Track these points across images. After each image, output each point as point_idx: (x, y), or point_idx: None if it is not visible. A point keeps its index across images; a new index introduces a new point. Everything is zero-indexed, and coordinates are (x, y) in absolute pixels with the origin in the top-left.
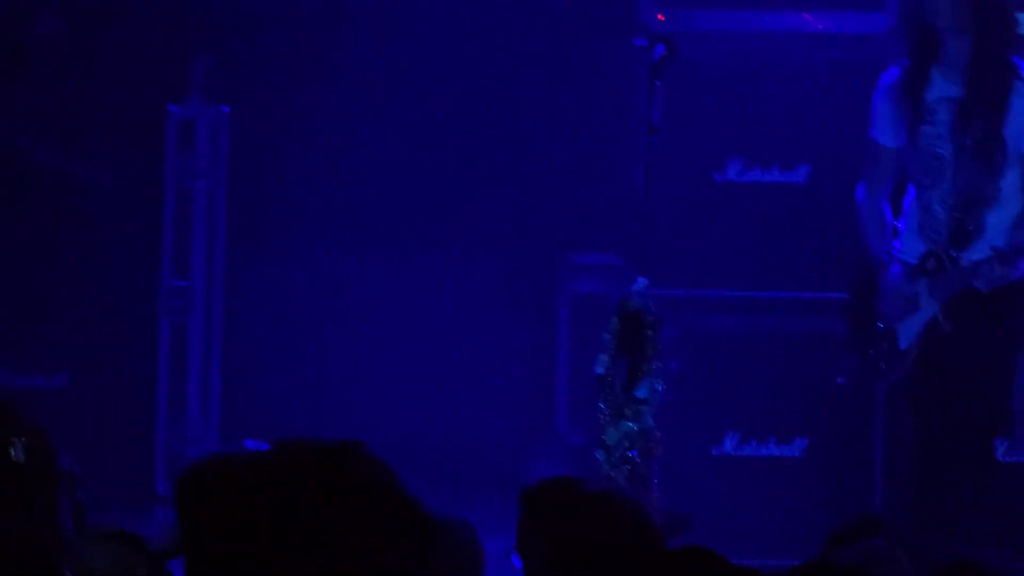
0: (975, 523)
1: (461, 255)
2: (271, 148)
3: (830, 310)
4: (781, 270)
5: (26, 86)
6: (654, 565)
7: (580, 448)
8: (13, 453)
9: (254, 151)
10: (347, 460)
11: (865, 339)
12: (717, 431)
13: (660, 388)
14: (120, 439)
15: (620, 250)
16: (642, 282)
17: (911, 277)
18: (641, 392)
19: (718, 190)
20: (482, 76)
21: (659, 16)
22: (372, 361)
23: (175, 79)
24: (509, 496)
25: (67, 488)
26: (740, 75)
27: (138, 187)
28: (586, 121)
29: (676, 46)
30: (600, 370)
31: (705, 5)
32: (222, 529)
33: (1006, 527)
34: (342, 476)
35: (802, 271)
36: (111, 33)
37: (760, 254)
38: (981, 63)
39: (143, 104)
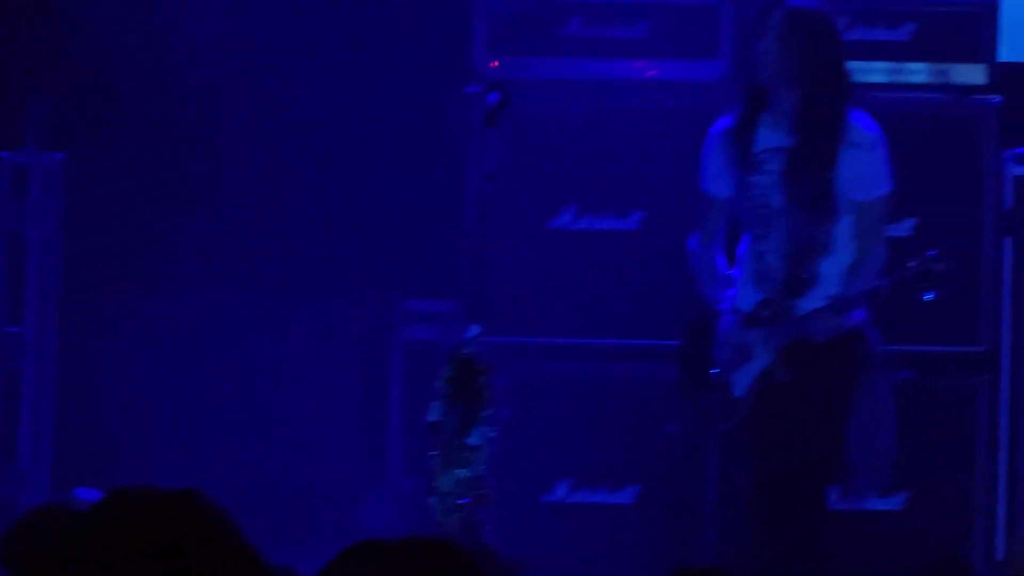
0: (808, 570)
1: (294, 299)
2: (108, 194)
3: (663, 357)
4: (614, 317)
5: None
6: None
7: (413, 495)
8: None
9: (90, 197)
10: (183, 509)
11: (699, 387)
12: (549, 478)
13: (492, 435)
14: None
15: (453, 297)
16: (475, 329)
17: (746, 326)
18: (474, 439)
19: (551, 237)
20: (317, 120)
21: (493, 63)
22: (207, 407)
23: (8, 126)
24: (343, 543)
25: None
26: (574, 122)
27: None
28: (421, 167)
29: (510, 93)
30: (433, 417)
31: (539, 52)
32: None
33: (838, 574)
34: (178, 525)
35: (635, 318)
36: None
37: (593, 301)
38: (811, 113)
39: None
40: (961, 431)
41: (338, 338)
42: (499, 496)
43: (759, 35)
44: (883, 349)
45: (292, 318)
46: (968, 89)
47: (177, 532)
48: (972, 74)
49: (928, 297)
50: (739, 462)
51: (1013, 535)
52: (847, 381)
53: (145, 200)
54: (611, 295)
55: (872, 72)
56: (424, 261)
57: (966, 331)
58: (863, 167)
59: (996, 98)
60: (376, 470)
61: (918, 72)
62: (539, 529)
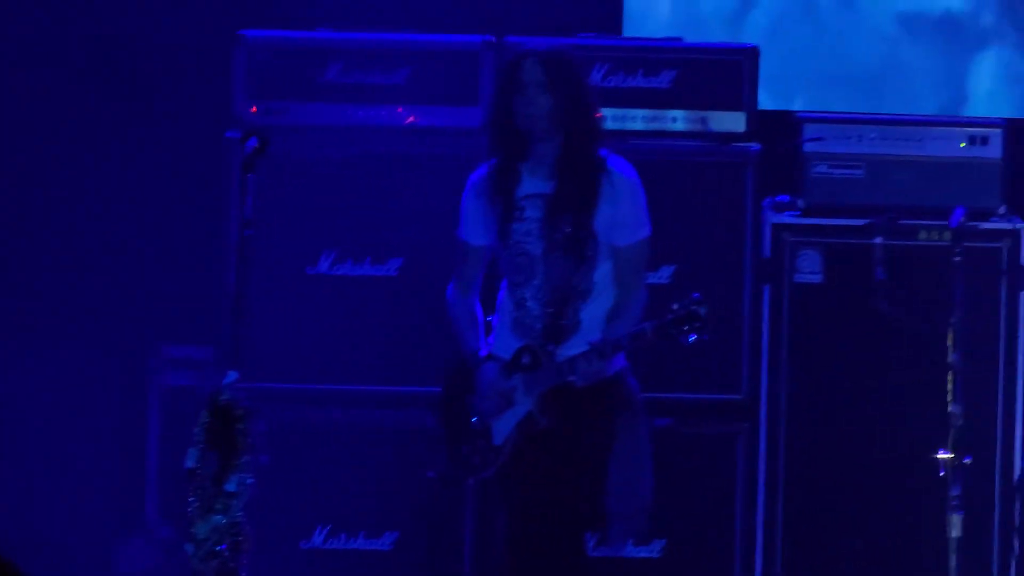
0: None
1: (52, 344)
2: None
3: (422, 404)
4: (373, 363)
5: None
6: None
7: (170, 541)
8: None
9: None
10: None
11: (458, 435)
12: (308, 524)
13: (250, 481)
14: None
15: (212, 343)
16: (233, 375)
17: (506, 373)
18: (231, 485)
19: (310, 283)
20: (75, 163)
21: (252, 108)
22: None
23: None
24: None
25: None
26: (333, 168)
27: None
28: (180, 213)
29: (268, 139)
30: (190, 463)
31: (298, 98)
32: None
33: None
34: None
35: (394, 365)
36: None
37: (353, 347)
38: (570, 159)
39: None
40: (721, 478)
41: (96, 384)
42: (257, 543)
43: (515, 86)
44: (643, 396)
45: (50, 362)
46: (727, 137)
47: None
48: (731, 122)
49: (692, 339)
50: (498, 509)
51: None
52: (607, 427)
53: None
54: (370, 341)
55: (631, 120)
56: (182, 307)
57: (727, 379)
58: (622, 213)
59: (755, 146)
60: (133, 516)
61: (677, 120)
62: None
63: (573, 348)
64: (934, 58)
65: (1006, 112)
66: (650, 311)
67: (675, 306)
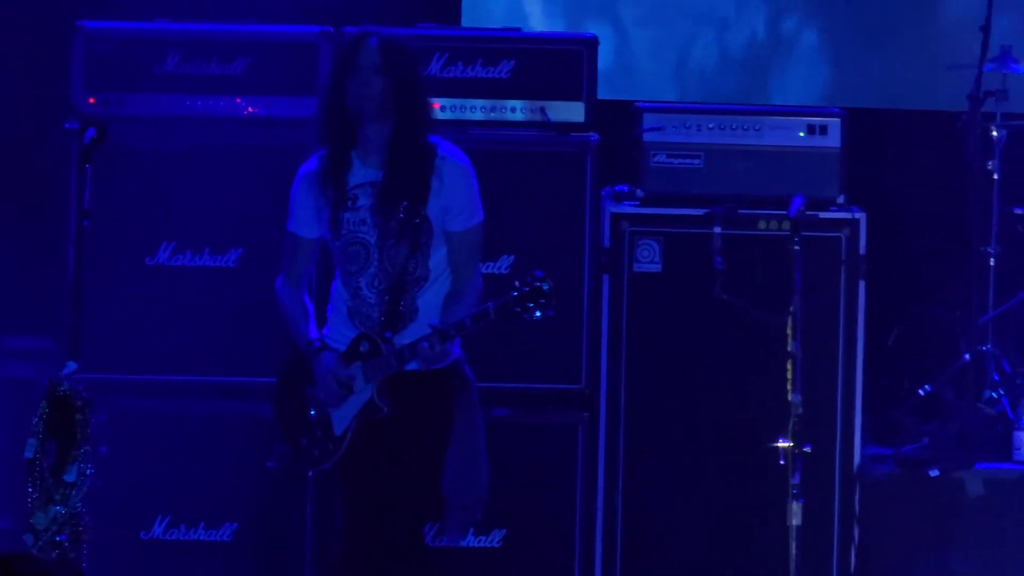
0: None
1: None
2: None
3: (261, 395)
4: (213, 354)
5: None
6: None
7: (10, 532)
8: None
9: None
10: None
11: (297, 428)
12: (148, 515)
13: (89, 472)
14: None
15: (51, 333)
16: (72, 366)
17: (344, 362)
18: (70, 476)
19: (149, 273)
20: None
21: (90, 99)
22: None
23: None
24: None
25: None
26: (172, 159)
27: None
28: (19, 204)
29: (107, 129)
30: (29, 454)
31: (136, 89)
32: None
33: None
34: None
35: (234, 355)
36: None
37: (192, 338)
38: (402, 146)
39: None
40: (561, 468)
41: None
42: (97, 533)
43: (351, 67)
44: (479, 385)
45: None
46: (566, 127)
47: None
48: (570, 112)
49: (538, 316)
50: (337, 499)
51: (611, 570)
52: (445, 415)
53: None
54: (210, 332)
55: (471, 110)
56: (21, 298)
57: (566, 369)
58: (455, 199)
59: (594, 136)
60: None
61: (516, 110)
62: (138, 566)
63: (411, 335)
64: None
65: None
66: (489, 298)
67: (517, 283)
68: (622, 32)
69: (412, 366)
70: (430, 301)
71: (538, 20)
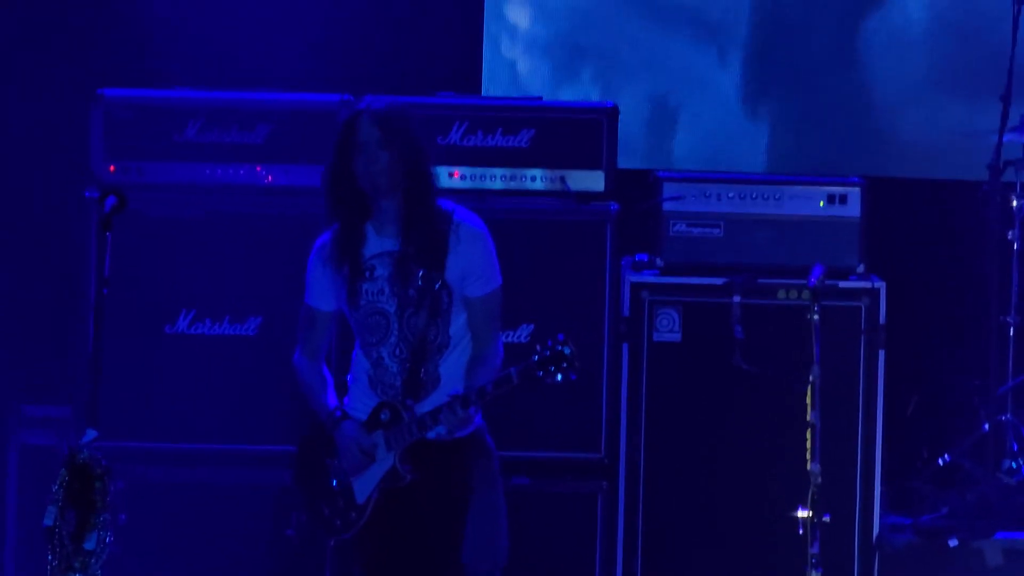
0: None
1: None
2: None
3: (280, 463)
4: (232, 422)
5: None
6: None
7: None
8: None
9: None
10: None
11: (318, 497)
12: None
13: (109, 540)
14: None
15: (70, 402)
16: (92, 434)
17: (366, 431)
18: (90, 544)
19: (169, 342)
20: None
21: (110, 167)
22: None
23: None
24: None
25: None
26: (192, 227)
27: None
28: (39, 272)
29: (127, 198)
30: (49, 521)
31: (156, 157)
32: None
33: None
34: None
35: (253, 424)
36: None
37: (211, 406)
38: (415, 215)
39: None
40: (580, 537)
41: None
42: None
43: (355, 146)
44: (500, 454)
45: None
46: (586, 196)
47: None
48: (590, 181)
49: (560, 379)
50: (357, 567)
51: None
52: (466, 482)
53: None
54: (229, 400)
55: (490, 179)
56: (41, 366)
57: (586, 438)
58: (473, 264)
59: (614, 205)
60: None
61: (536, 178)
62: None
63: (433, 402)
64: None
65: None
66: (510, 365)
67: (539, 347)
68: (656, 100)
69: (433, 434)
70: (452, 368)
71: (567, 87)
